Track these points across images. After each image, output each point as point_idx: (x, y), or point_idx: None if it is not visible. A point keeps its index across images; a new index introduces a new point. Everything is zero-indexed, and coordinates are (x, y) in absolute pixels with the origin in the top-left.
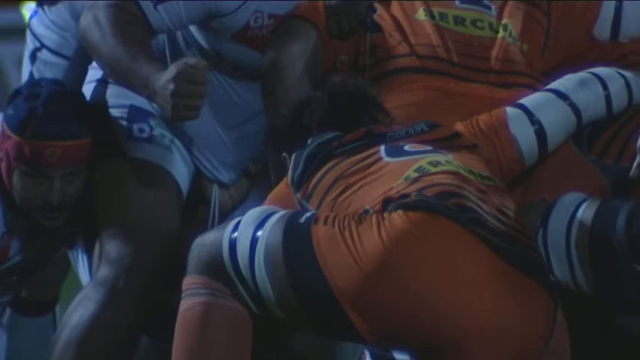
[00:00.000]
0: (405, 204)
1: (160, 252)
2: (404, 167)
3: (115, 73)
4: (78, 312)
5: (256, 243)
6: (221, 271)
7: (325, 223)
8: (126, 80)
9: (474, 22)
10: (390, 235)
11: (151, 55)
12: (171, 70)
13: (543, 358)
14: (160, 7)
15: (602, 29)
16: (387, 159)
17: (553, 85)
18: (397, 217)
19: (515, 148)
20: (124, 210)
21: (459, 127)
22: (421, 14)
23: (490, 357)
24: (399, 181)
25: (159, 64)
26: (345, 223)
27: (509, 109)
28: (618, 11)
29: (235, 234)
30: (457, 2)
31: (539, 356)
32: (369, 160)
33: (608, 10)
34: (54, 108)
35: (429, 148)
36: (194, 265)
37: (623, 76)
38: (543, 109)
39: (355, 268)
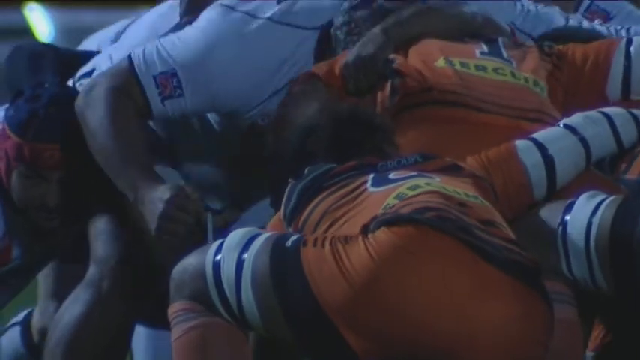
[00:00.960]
0: (386, 220)
1: (147, 255)
2: (385, 196)
3: (102, 162)
4: (69, 311)
5: (242, 266)
6: (204, 295)
7: (314, 245)
8: (110, 174)
9: (495, 70)
10: (377, 250)
11: (143, 157)
12: (165, 191)
13: None
14: (167, 102)
15: (612, 89)
16: (371, 189)
17: (562, 121)
18: (382, 233)
19: (523, 174)
20: (113, 210)
21: (469, 161)
22: (441, 62)
23: None
24: (380, 211)
25: (149, 171)
26: (333, 243)
27: (519, 141)
28: (627, 70)
29: (219, 256)
30: (477, 53)
31: None
32: (356, 193)
33: (617, 70)
34: (55, 110)
35: (414, 173)
36: (177, 291)
37: (631, 113)
38: (553, 141)
39: (345, 284)
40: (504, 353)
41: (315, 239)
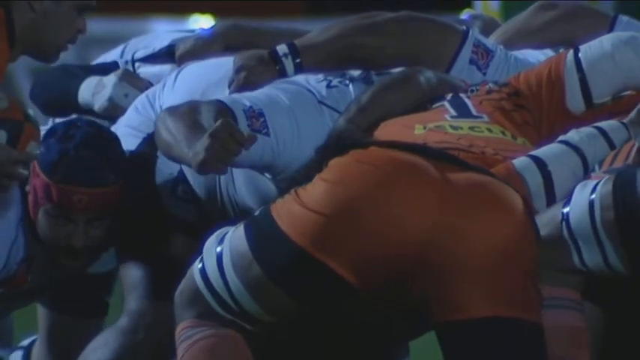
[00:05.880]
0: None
1: None
2: None
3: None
4: (96, 355)
5: (221, 256)
6: (203, 305)
7: (282, 198)
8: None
9: (471, 128)
10: (328, 172)
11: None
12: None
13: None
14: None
15: (574, 102)
16: None
17: (560, 137)
18: (330, 162)
19: (522, 187)
20: (151, 262)
21: None
22: (419, 129)
23: (469, 262)
24: None
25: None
26: (297, 189)
27: (515, 160)
28: (584, 82)
29: (201, 263)
30: (448, 118)
31: (527, 254)
32: None
33: (572, 82)
34: (86, 152)
35: None
36: (179, 312)
37: (622, 122)
38: (549, 155)
39: (312, 215)
40: (479, 247)
41: (283, 196)
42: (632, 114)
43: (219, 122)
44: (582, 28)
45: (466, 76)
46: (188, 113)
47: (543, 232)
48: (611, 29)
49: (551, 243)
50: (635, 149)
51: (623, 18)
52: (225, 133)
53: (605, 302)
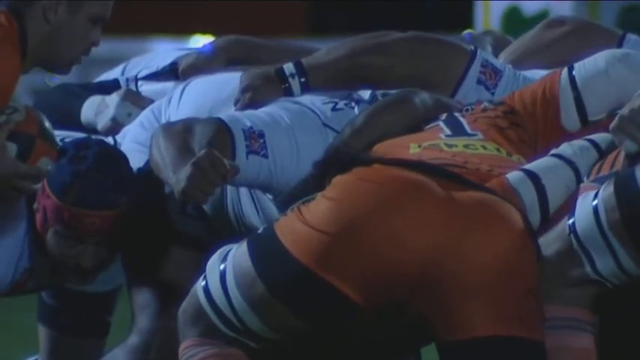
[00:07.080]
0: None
1: None
2: None
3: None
4: None
5: (225, 273)
6: (206, 323)
7: (285, 215)
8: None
9: (466, 146)
10: (331, 190)
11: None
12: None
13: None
14: (251, 157)
15: (569, 120)
16: None
17: (553, 151)
18: (333, 180)
19: (516, 201)
20: (161, 280)
21: None
22: (414, 148)
23: (470, 279)
24: None
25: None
26: (300, 206)
27: (509, 174)
28: (579, 100)
29: (205, 281)
30: (442, 137)
31: (529, 271)
32: None
33: (567, 101)
34: (98, 175)
35: None
36: (182, 330)
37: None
38: (542, 169)
39: (315, 233)
40: (480, 266)
41: (285, 213)
42: (615, 121)
43: (202, 152)
44: (591, 44)
45: (474, 96)
46: (181, 134)
47: (553, 248)
48: (619, 46)
49: (563, 257)
50: (621, 156)
51: (632, 36)
52: (207, 164)
53: (604, 305)
